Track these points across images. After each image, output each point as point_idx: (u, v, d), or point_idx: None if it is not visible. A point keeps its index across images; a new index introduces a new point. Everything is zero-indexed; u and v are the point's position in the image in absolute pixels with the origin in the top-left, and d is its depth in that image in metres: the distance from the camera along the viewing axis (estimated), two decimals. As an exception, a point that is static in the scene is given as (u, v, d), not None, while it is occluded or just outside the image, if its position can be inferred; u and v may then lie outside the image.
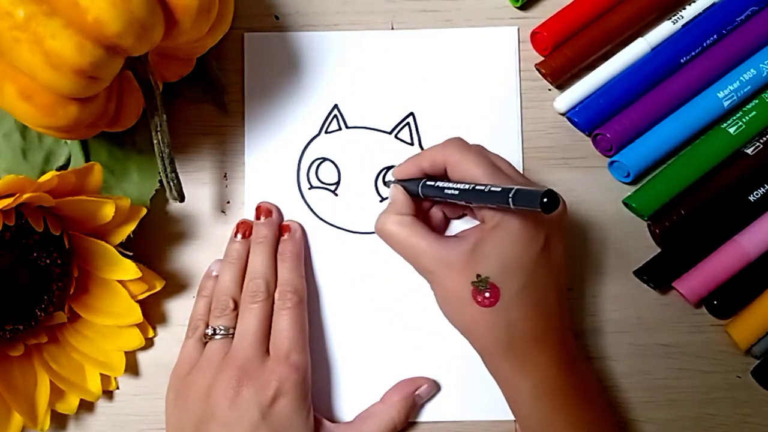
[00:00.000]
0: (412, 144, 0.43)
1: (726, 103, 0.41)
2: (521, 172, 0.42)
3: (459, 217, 0.42)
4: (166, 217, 0.43)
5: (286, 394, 0.36)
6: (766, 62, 0.42)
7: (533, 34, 0.43)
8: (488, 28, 0.43)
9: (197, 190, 0.43)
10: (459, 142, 0.37)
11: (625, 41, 0.43)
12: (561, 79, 0.42)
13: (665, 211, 0.41)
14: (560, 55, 0.42)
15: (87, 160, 0.41)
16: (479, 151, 0.37)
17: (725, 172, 0.41)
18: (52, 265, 0.38)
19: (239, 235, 0.41)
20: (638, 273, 0.42)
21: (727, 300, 0.41)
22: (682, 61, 0.42)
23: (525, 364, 0.35)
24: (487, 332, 0.35)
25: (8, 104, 0.32)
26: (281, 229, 0.42)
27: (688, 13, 0.43)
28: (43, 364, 0.39)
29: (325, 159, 0.43)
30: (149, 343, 0.42)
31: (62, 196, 0.35)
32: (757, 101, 0.42)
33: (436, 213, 0.41)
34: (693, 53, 0.42)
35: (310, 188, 0.43)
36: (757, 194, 0.41)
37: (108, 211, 0.36)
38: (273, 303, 0.39)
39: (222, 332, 0.38)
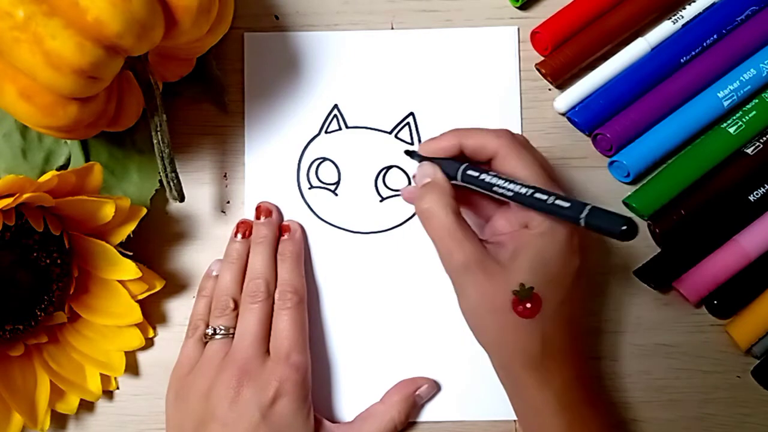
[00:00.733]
0: (412, 144, 0.43)
1: (726, 103, 0.41)
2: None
3: (486, 221, 0.38)
4: (166, 217, 0.43)
5: (286, 395, 0.36)
6: (766, 62, 0.42)
7: (533, 34, 0.43)
8: (488, 28, 0.43)
9: (197, 190, 0.43)
10: (514, 136, 0.35)
11: (625, 41, 0.43)
12: (561, 79, 0.42)
13: (665, 211, 0.41)
14: (560, 55, 0.42)
15: (87, 160, 0.41)
16: (530, 151, 0.35)
17: (725, 172, 0.41)
18: (52, 265, 0.38)
19: (239, 235, 0.41)
20: (638, 273, 0.42)
21: (727, 300, 0.41)
22: (682, 61, 0.42)
23: (549, 377, 0.34)
24: (520, 343, 0.34)
25: (8, 104, 0.32)
26: (281, 229, 0.42)
27: (688, 12, 0.43)
28: (43, 364, 0.39)
29: (325, 159, 0.43)
30: (149, 343, 0.42)
31: (62, 196, 0.35)
32: (757, 101, 0.42)
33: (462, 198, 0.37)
34: (693, 53, 0.42)
35: (310, 188, 0.43)
36: (757, 194, 0.41)
37: (108, 211, 0.36)
38: (273, 303, 0.39)
39: (222, 332, 0.38)
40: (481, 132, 0.36)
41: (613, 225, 0.29)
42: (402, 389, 0.40)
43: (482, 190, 0.35)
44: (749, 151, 0.41)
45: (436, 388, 0.41)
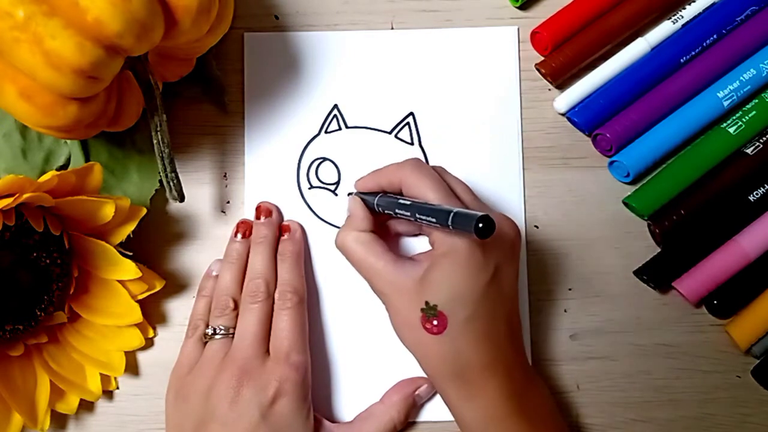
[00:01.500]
0: (412, 144, 0.43)
1: (726, 103, 0.41)
2: (521, 173, 0.42)
3: (416, 235, 0.41)
4: (166, 217, 0.43)
5: (286, 395, 0.36)
6: (766, 62, 0.42)
7: (533, 34, 0.43)
8: (488, 28, 0.43)
9: (197, 190, 0.43)
10: (416, 163, 0.37)
11: (625, 41, 0.43)
12: (561, 79, 0.42)
13: (665, 211, 0.41)
14: (560, 55, 0.42)
15: (87, 160, 0.41)
16: (435, 174, 0.36)
17: (725, 172, 0.41)
18: (52, 265, 0.38)
19: (239, 235, 0.41)
20: (638, 273, 0.42)
21: (727, 300, 0.41)
22: (682, 61, 0.42)
23: (472, 392, 0.35)
24: (435, 359, 0.35)
25: (8, 104, 0.32)
26: (281, 229, 0.42)
27: (688, 12, 0.43)
28: (43, 364, 0.39)
29: (325, 159, 0.43)
30: (149, 343, 0.42)
31: (62, 196, 0.35)
32: (757, 101, 0.42)
33: (393, 226, 0.41)
34: (693, 53, 0.42)
35: (310, 188, 0.43)
36: (757, 194, 0.41)
37: (108, 211, 0.36)
38: (273, 303, 0.39)
39: (222, 332, 0.38)
40: (389, 168, 0.38)
41: (470, 224, 0.30)
42: (402, 389, 0.40)
43: (395, 215, 0.36)
44: (749, 151, 0.41)
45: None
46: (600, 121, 0.42)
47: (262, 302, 0.38)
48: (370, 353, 0.41)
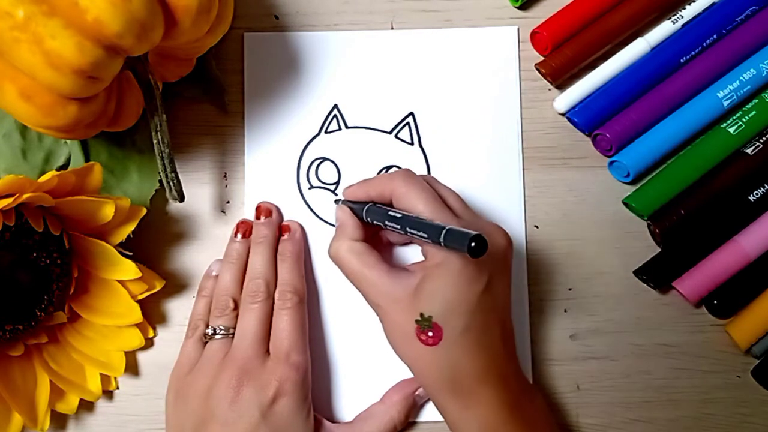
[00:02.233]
0: (411, 144, 0.43)
1: (726, 103, 0.41)
2: (521, 172, 0.42)
3: (405, 244, 0.41)
4: (166, 217, 0.43)
5: (286, 394, 0.36)
6: (766, 62, 0.42)
7: (533, 34, 0.43)
8: (488, 28, 0.43)
9: (197, 190, 0.43)
10: (406, 174, 0.37)
11: (625, 41, 0.43)
12: (561, 79, 0.42)
13: (665, 211, 0.41)
14: (560, 55, 0.42)
15: (87, 160, 0.41)
16: (426, 185, 0.36)
17: (725, 172, 0.41)
18: (52, 265, 0.38)
19: (239, 235, 0.41)
20: (638, 273, 0.42)
21: (727, 300, 0.41)
22: (682, 60, 0.42)
23: (468, 403, 0.35)
24: (430, 370, 0.35)
25: (8, 104, 0.32)
26: (281, 229, 0.42)
27: (688, 12, 0.43)
28: (43, 364, 0.39)
29: (325, 159, 0.43)
30: (149, 343, 0.42)
31: (62, 196, 0.35)
32: (756, 101, 0.42)
33: (384, 235, 0.41)
34: (693, 53, 0.42)
35: (310, 188, 0.43)
36: (757, 194, 0.41)
37: (108, 211, 0.36)
38: (273, 303, 0.39)
39: (222, 332, 0.38)
40: (379, 179, 0.38)
41: (463, 242, 0.29)
42: (402, 389, 0.40)
43: (384, 227, 0.36)
44: (749, 151, 0.41)
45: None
46: (600, 121, 0.42)
47: (262, 302, 0.38)
48: (370, 353, 0.41)
